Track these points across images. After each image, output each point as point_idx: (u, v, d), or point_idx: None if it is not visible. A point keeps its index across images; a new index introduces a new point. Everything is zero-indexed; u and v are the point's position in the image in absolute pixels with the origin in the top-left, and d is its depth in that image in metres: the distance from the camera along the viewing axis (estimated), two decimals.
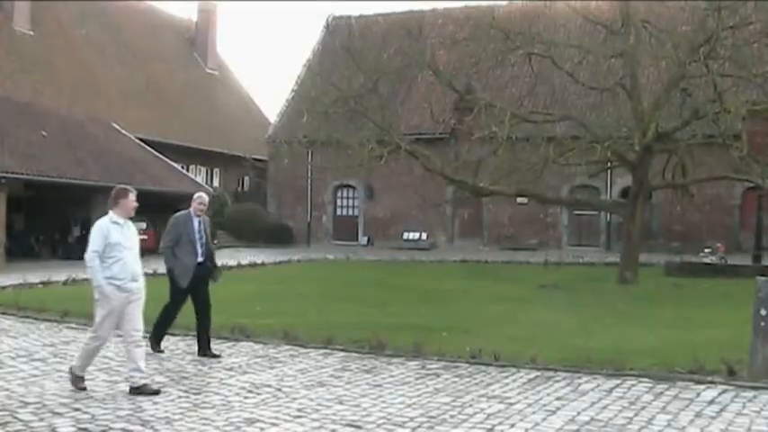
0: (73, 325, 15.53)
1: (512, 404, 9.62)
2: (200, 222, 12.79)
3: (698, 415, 9.24)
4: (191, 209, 12.82)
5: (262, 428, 8.43)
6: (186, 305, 12.92)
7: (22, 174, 32.16)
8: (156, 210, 40.81)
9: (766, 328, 10.85)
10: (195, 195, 13.05)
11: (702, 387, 10.57)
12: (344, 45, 34.46)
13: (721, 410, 9.44)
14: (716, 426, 8.77)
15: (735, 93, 27.52)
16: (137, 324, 10.02)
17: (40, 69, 44.78)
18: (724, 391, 10.34)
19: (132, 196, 10.24)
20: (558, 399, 9.93)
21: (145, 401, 9.48)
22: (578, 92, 38.59)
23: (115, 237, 9.91)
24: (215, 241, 45.69)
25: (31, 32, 45.96)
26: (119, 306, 9.87)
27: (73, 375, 10.10)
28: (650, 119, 26.58)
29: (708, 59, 25.99)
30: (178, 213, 12.91)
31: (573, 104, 39.27)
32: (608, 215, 42.32)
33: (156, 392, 9.80)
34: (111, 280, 9.82)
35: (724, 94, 26.19)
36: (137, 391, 9.77)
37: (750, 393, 10.25)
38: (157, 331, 12.99)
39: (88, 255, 9.86)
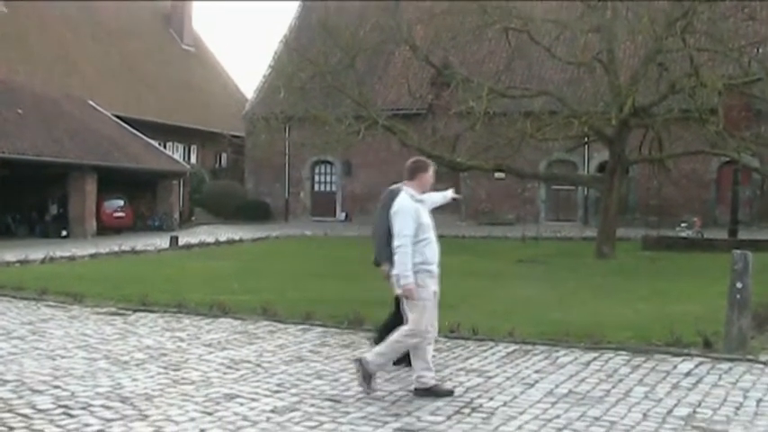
0: (51, 303, 15.47)
1: (490, 377, 9.68)
2: None
3: (675, 387, 9.32)
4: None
5: (241, 404, 8.45)
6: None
7: None
8: (134, 187, 40.88)
9: (742, 301, 10.93)
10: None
11: (679, 359, 10.65)
12: (321, 21, 34.34)
13: (698, 382, 9.53)
14: (692, 397, 8.85)
15: (711, 67, 27.61)
16: (435, 320, 9.09)
17: (15, 47, 44.44)
18: (700, 364, 10.43)
19: (432, 170, 9.18)
20: (536, 372, 9.99)
21: (124, 378, 9.49)
22: (555, 67, 38.60)
23: (424, 216, 8.92)
24: (193, 218, 45.93)
25: (5, 9, 45.60)
26: (433, 294, 8.92)
27: (364, 369, 8.81)
28: (627, 93, 26.61)
29: (684, 34, 26.07)
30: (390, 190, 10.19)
31: (550, 79, 39.28)
32: (585, 190, 42.47)
33: (450, 393, 8.89)
34: (423, 265, 8.75)
35: (700, 68, 26.27)
36: (426, 392, 8.77)
37: (726, 365, 10.35)
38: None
39: (401, 240, 8.63)
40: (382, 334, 9.88)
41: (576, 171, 42.07)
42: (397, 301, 9.83)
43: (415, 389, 8.90)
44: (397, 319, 9.81)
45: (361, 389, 8.86)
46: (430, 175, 9.13)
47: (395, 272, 8.76)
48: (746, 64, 27.45)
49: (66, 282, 17.79)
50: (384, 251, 9.57)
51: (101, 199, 37.72)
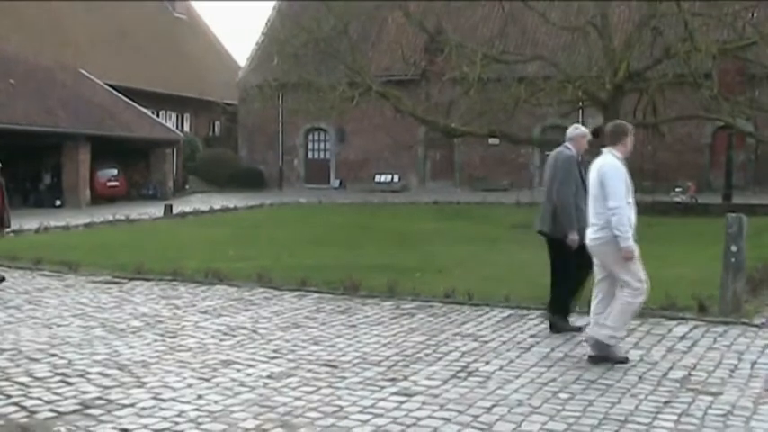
0: (46, 272, 15.48)
1: (486, 342, 9.71)
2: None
3: (670, 350, 9.36)
4: (572, 148, 10.25)
5: (238, 369, 8.48)
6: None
7: None
8: (127, 156, 40.79)
9: (736, 265, 10.96)
10: (582, 130, 10.42)
11: (674, 323, 10.69)
12: None
13: (693, 345, 9.56)
14: (687, 360, 8.89)
15: (705, 32, 27.48)
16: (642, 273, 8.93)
17: (7, 16, 44.14)
18: (695, 327, 10.47)
19: (632, 134, 9.09)
20: (531, 336, 10.02)
21: (121, 346, 9.51)
22: (549, 32, 38.43)
23: (628, 179, 8.83)
24: (186, 186, 45.88)
25: None
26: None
27: (603, 350, 8.76)
28: (621, 58, 26.56)
29: None
30: (564, 152, 10.20)
31: (544, 44, 39.16)
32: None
33: (626, 360, 8.78)
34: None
35: (695, 32, 26.17)
36: (603, 359, 8.74)
37: (720, 328, 10.38)
38: (565, 305, 10.42)
39: (617, 202, 8.56)
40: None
41: None
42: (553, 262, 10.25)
43: (590, 356, 8.85)
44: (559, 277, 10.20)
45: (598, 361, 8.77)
46: (631, 139, 9.08)
47: (618, 233, 8.57)
48: (741, 28, 27.40)
49: (61, 251, 17.79)
50: (572, 220, 9.74)
51: (94, 168, 37.64)
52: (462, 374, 8.33)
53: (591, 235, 8.91)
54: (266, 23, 50.81)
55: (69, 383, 7.96)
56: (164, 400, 7.46)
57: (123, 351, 9.27)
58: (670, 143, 37.66)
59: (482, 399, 7.52)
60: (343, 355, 9.10)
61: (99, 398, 7.52)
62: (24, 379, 8.09)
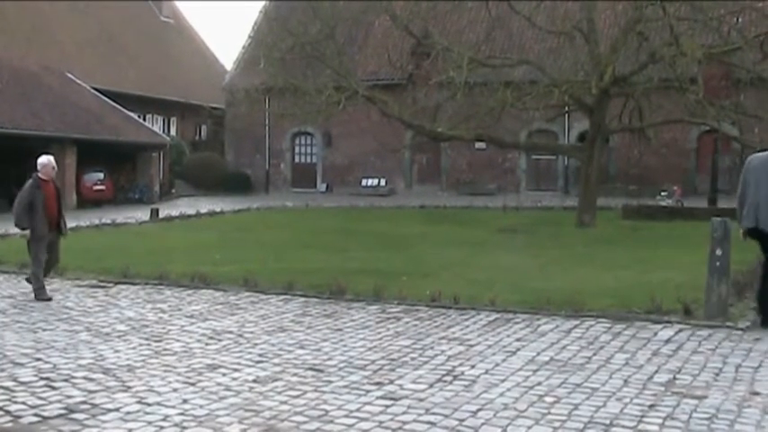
0: None
1: (472, 346, 9.72)
2: None
3: (655, 353, 9.38)
4: None
5: (224, 374, 8.47)
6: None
7: None
8: (114, 160, 40.69)
9: (721, 268, 10.99)
10: None
11: (659, 326, 10.73)
12: None
13: (678, 349, 9.59)
14: (672, 363, 8.92)
15: (691, 36, 27.55)
16: None
17: None
18: (680, 330, 10.50)
19: None
20: (517, 340, 10.04)
21: (106, 350, 9.49)
22: (536, 36, 38.53)
23: None
24: (173, 190, 45.78)
25: None
26: None
27: None
28: (607, 62, 26.60)
29: (664, 2, 26.02)
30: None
31: (530, 49, 39.20)
32: (566, 159, 42.52)
33: None
34: None
35: (680, 37, 26.22)
36: None
37: (705, 332, 10.41)
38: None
39: None
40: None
41: (556, 140, 42.06)
42: None
43: None
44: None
45: None
46: None
47: None
48: (726, 33, 27.46)
49: None
50: None
51: (80, 172, 37.54)
52: (448, 378, 8.34)
53: None
54: (253, 27, 50.72)
55: (54, 388, 7.94)
56: (149, 405, 7.45)
57: (108, 355, 9.24)
58: (656, 147, 37.71)
59: (468, 403, 7.53)
60: (328, 359, 9.09)
61: (84, 402, 7.50)
62: (9, 383, 8.06)
